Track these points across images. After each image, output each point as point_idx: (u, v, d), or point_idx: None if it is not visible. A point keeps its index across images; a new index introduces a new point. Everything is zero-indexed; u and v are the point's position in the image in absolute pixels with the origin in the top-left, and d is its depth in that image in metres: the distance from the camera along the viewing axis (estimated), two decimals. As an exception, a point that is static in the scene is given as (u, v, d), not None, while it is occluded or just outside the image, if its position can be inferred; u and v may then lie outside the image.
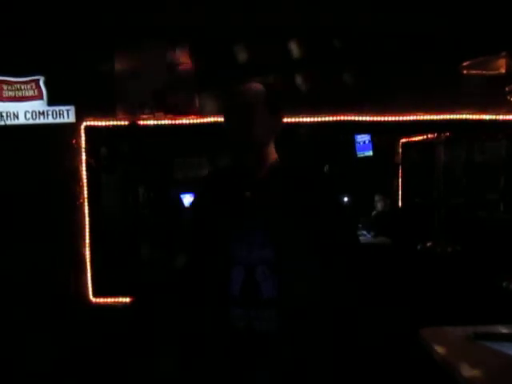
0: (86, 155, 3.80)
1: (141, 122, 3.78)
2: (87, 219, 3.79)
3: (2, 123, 3.81)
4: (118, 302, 3.79)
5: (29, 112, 3.83)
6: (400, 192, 4.52)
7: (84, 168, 3.79)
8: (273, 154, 1.40)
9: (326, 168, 4.16)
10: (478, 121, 3.78)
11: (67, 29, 3.73)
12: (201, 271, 1.40)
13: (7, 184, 3.74)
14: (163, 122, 3.79)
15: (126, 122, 3.77)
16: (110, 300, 3.81)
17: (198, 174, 4.09)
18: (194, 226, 1.47)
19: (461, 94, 3.61)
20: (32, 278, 3.73)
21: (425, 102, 3.70)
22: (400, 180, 4.52)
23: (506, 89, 2.86)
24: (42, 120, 3.83)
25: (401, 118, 3.80)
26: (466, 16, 3.61)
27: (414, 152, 4.54)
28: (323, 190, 1.38)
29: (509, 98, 2.92)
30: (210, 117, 3.75)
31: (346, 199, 4.03)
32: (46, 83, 3.81)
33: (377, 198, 4.53)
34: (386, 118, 3.80)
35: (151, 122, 3.79)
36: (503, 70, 2.64)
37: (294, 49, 3.82)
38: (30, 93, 3.82)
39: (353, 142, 4.17)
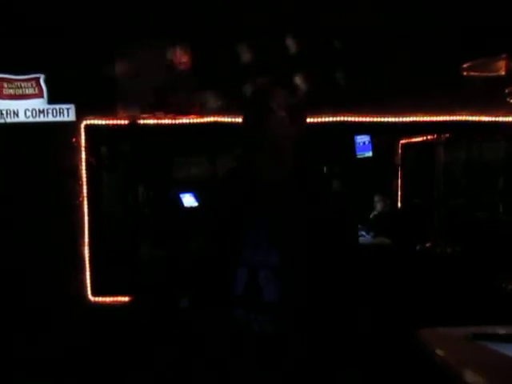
0: (86, 154, 3.80)
1: (141, 121, 3.78)
2: (86, 218, 3.79)
3: (2, 121, 3.81)
4: (116, 302, 3.79)
5: (29, 110, 3.83)
6: (400, 193, 4.53)
7: (84, 167, 3.78)
8: (289, 158, 1.37)
9: (325, 169, 4.16)
10: (478, 122, 3.79)
11: (68, 27, 3.73)
12: (210, 267, 1.41)
13: (6, 182, 3.74)
14: (163, 121, 3.79)
15: (126, 121, 3.77)
16: (108, 299, 3.81)
17: (198, 174, 4.09)
18: (211, 222, 1.48)
19: (461, 95, 3.62)
20: (31, 277, 3.73)
21: (425, 102, 3.71)
22: (400, 181, 4.53)
23: (506, 90, 2.87)
24: (42, 118, 3.83)
25: (400, 119, 3.81)
26: (466, 17, 3.62)
27: (413, 153, 4.54)
28: (335, 204, 1.37)
29: (508, 99, 2.92)
30: (211, 116, 3.75)
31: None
32: (46, 81, 3.81)
33: (376, 198, 4.53)
34: (386, 119, 3.81)
35: (151, 121, 3.79)
36: (503, 72, 2.65)
37: (294, 49, 3.82)
38: (31, 91, 3.82)
39: (353, 143, 4.17)
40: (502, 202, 4.16)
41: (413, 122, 3.83)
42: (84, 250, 3.79)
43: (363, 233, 4.31)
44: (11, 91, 3.82)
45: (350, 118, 3.79)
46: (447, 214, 4.10)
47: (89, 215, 3.79)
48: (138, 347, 3.34)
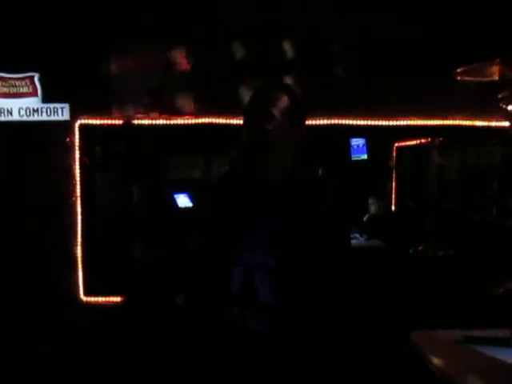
0: (80, 153, 3.78)
1: (136, 122, 3.77)
2: (79, 217, 3.78)
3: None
4: (109, 302, 3.78)
5: (23, 109, 3.81)
6: (394, 195, 4.55)
7: (78, 166, 3.77)
8: (289, 162, 1.39)
9: (320, 171, 4.17)
10: (471, 127, 3.82)
11: (64, 26, 3.71)
12: (206, 266, 1.42)
13: (-1, 180, 3.72)
14: (158, 121, 3.78)
15: (121, 121, 3.76)
16: (101, 299, 3.79)
17: (192, 174, 4.09)
18: (209, 220, 1.49)
19: (454, 99, 3.64)
20: (23, 276, 3.71)
21: (419, 107, 3.73)
22: (394, 183, 4.55)
23: (499, 96, 2.89)
24: (36, 117, 3.81)
25: (395, 123, 3.83)
26: (460, 22, 3.65)
27: (408, 156, 4.57)
28: (332, 205, 1.38)
29: (501, 104, 2.94)
30: (205, 117, 3.75)
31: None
32: (40, 80, 3.79)
33: (371, 201, 4.55)
34: (381, 123, 3.82)
35: (146, 122, 3.78)
36: (496, 77, 2.66)
37: (289, 51, 3.83)
38: (25, 89, 3.80)
39: (348, 146, 4.19)
40: (495, 206, 4.19)
41: (407, 125, 3.85)
42: (77, 249, 3.77)
43: (357, 235, 4.32)
44: (5, 90, 3.80)
45: (344, 122, 3.81)
46: (441, 217, 4.13)
47: (82, 215, 3.78)
48: (131, 347, 3.33)
